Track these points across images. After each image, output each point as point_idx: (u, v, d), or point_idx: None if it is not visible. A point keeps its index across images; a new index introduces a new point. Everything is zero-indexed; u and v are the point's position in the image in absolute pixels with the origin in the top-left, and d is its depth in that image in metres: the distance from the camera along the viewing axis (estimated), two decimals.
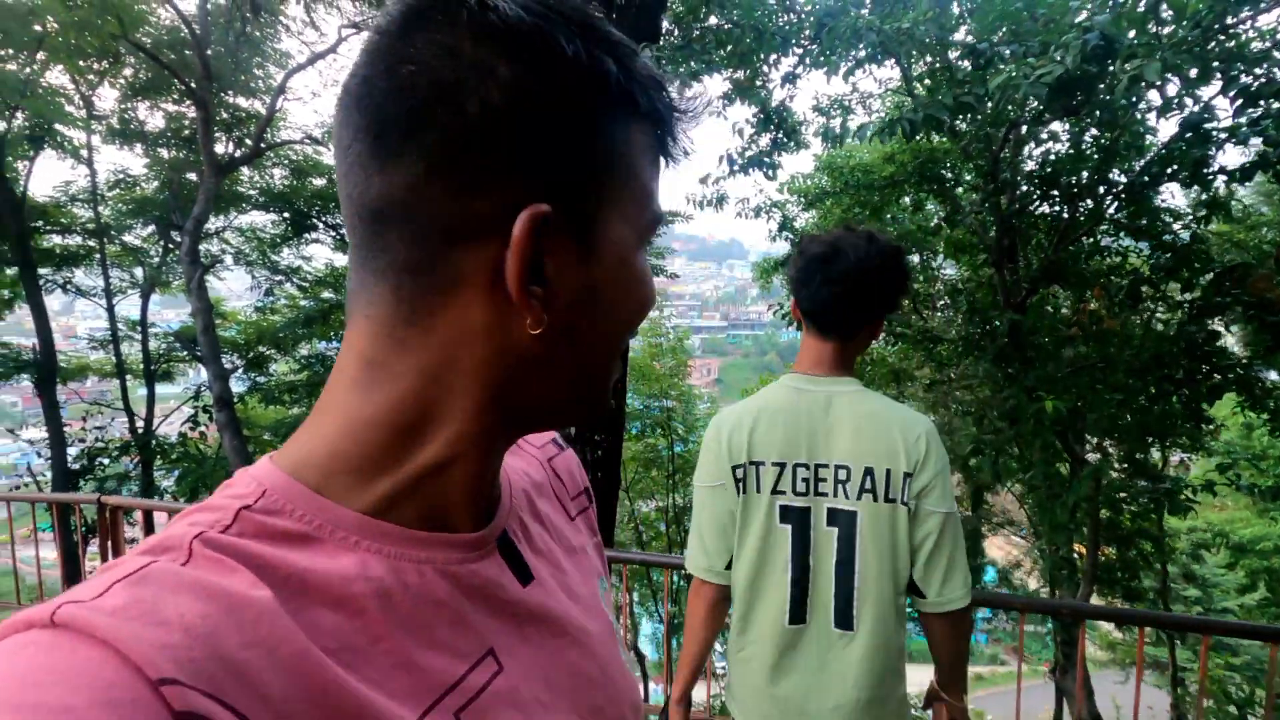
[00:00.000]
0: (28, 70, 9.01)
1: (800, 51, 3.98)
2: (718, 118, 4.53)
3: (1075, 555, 5.65)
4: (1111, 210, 4.62)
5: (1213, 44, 2.24)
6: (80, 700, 0.26)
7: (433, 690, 0.37)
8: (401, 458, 0.38)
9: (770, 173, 4.31)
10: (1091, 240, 5.00)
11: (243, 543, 0.34)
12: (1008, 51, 2.68)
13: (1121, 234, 4.88)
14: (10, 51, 8.80)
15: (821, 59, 3.40)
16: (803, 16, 3.78)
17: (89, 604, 0.29)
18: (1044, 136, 4.61)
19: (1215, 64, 2.20)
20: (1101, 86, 2.34)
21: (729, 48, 4.09)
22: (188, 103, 9.53)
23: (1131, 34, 2.33)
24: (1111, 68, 2.07)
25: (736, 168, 4.25)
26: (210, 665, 0.29)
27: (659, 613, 11.99)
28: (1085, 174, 4.38)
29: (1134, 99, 2.80)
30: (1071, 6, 2.43)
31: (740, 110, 4.34)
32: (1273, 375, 5.13)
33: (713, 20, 4.52)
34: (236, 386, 10.68)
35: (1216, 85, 2.48)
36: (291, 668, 0.31)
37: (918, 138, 5.46)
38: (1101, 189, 4.42)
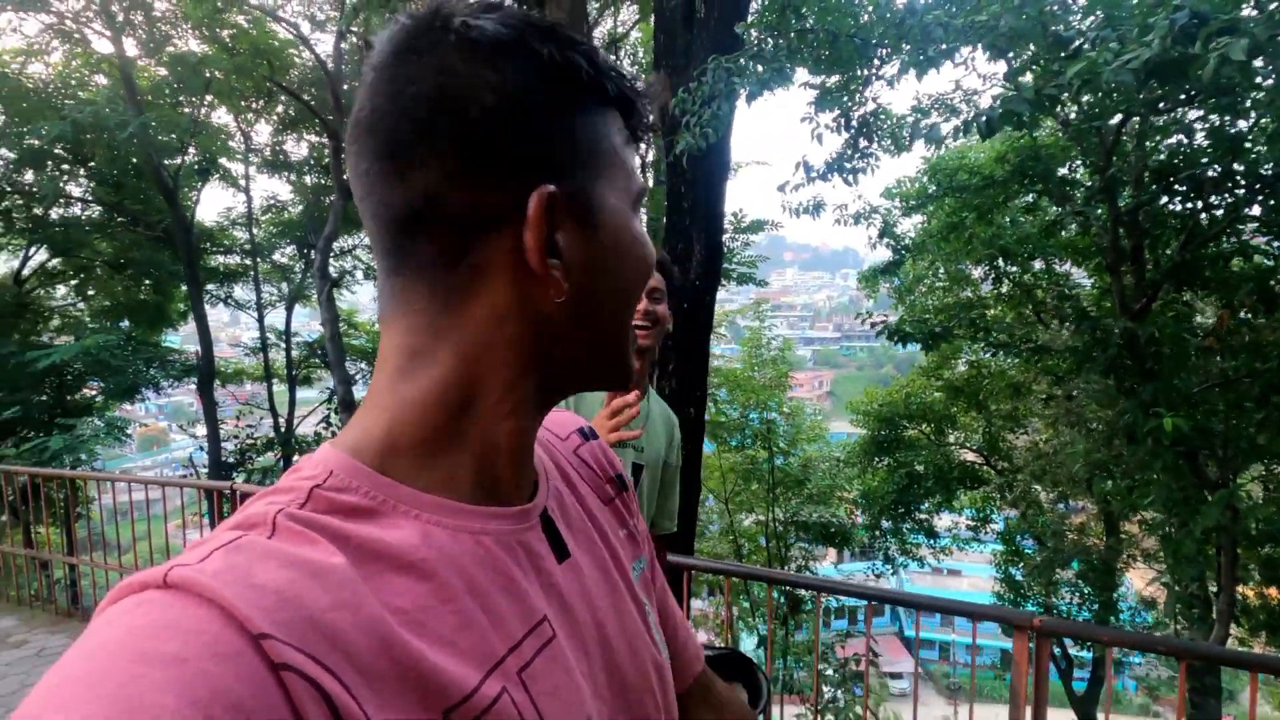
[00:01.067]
0: (198, 112, 10.37)
1: (885, 53, 3.86)
2: (806, 123, 4.46)
3: (1210, 592, 4.98)
4: (1256, 208, 4.10)
5: None
6: (192, 652, 0.29)
7: (494, 653, 0.39)
8: (451, 435, 0.42)
9: (852, 179, 4.19)
10: (1232, 240, 4.45)
11: (318, 517, 0.37)
12: (1096, 38, 2.48)
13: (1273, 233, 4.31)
14: (184, 97, 10.17)
15: (909, 60, 3.28)
16: (890, 17, 3.67)
17: (195, 567, 0.32)
18: (1164, 125, 4.17)
19: None
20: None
21: (823, 53, 4.04)
22: (326, 134, 10.59)
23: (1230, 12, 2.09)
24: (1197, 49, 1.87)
25: (814, 175, 4.18)
26: (300, 625, 0.32)
27: (759, 629, 11.72)
28: (1219, 167, 3.92)
29: (1232, 81, 2.49)
30: None
31: (823, 116, 4.25)
32: None
33: (807, 22, 4.47)
34: (363, 391, 11.65)
35: None
36: (370, 629, 0.34)
37: (1026, 133, 5.11)
38: (1239, 182, 3.94)
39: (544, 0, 4.74)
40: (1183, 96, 3.01)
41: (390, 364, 0.42)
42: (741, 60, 3.54)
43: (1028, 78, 3.92)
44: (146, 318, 11.52)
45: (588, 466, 0.59)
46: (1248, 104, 3.13)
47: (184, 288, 11.17)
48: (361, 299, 14.67)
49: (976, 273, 9.59)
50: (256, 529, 0.36)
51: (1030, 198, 6.04)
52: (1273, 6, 1.92)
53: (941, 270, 10.25)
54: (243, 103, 10.87)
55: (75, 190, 10.72)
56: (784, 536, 12.51)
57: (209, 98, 10.20)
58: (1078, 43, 2.59)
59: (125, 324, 11.43)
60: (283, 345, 12.54)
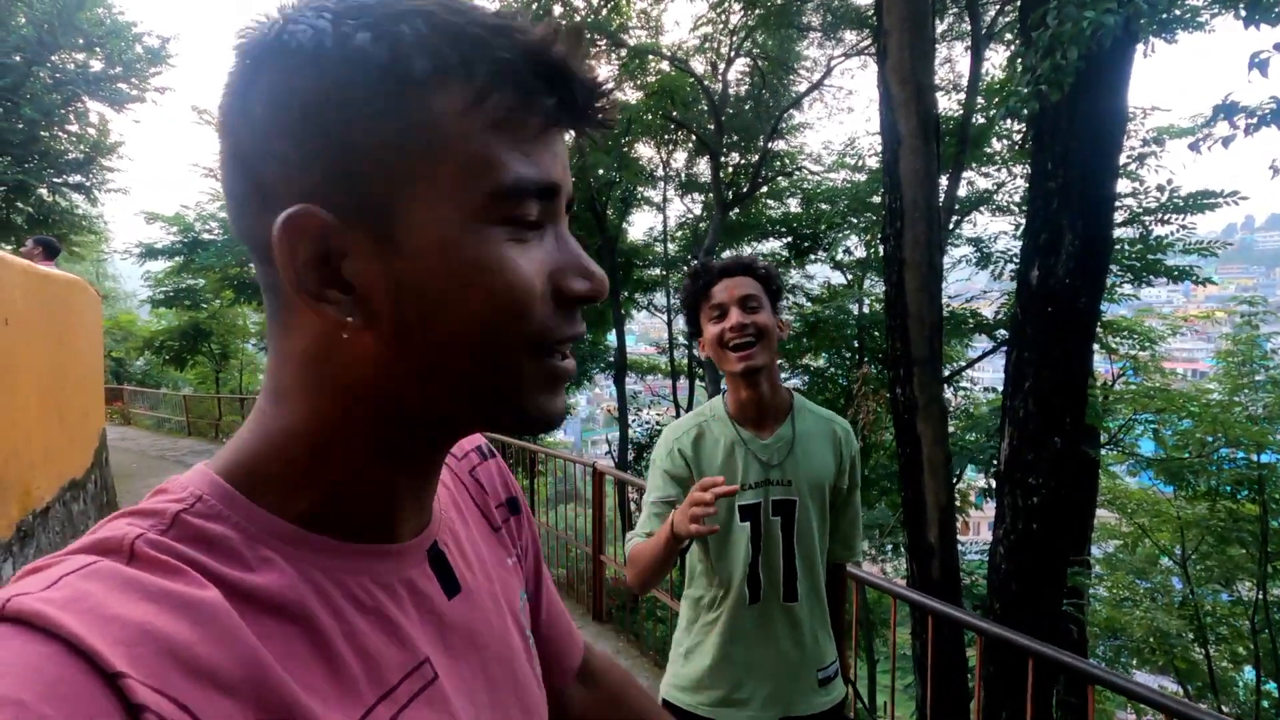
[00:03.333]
0: (626, 149, 12.51)
1: None
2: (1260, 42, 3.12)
3: None
4: None
5: None
6: (30, 694, 0.26)
7: (364, 701, 0.37)
8: (319, 470, 0.38)
9: None
10: None
11: (181, 547, 0.34)
12: None
13: None
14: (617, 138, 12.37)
15: None
16: None
17: (38, 595, 0.29)
18: None
19: None
20: None
21: None
22: (728, 155, 11.63)
23: None
24: None
25: (1250, 121, 2.88)
26: (162, 663, 0.29)
27: None
28: None
29: None
30: None
31: (1261, 37, 2.92)
32: None
33: None
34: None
35: None
36: (245, 667, 0.32)
37: None
38: None
39: None
40: None
41: (265, 387, 0.40)
42: None
43: None
44: (592, 321, 14.45)
45: (480, 488, 0.57)
46: None
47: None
48: None
49: None
50: (112, 555, 0.32)
51: None
52: None
53: None
54: (663, 136, 12.70)
55: None
56: None
57: (633, 136, 12.22)
58: None
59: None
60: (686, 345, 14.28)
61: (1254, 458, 9.24)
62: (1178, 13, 3.97)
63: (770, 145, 10.38)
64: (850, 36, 10.43)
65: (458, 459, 0.57)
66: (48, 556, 0.33)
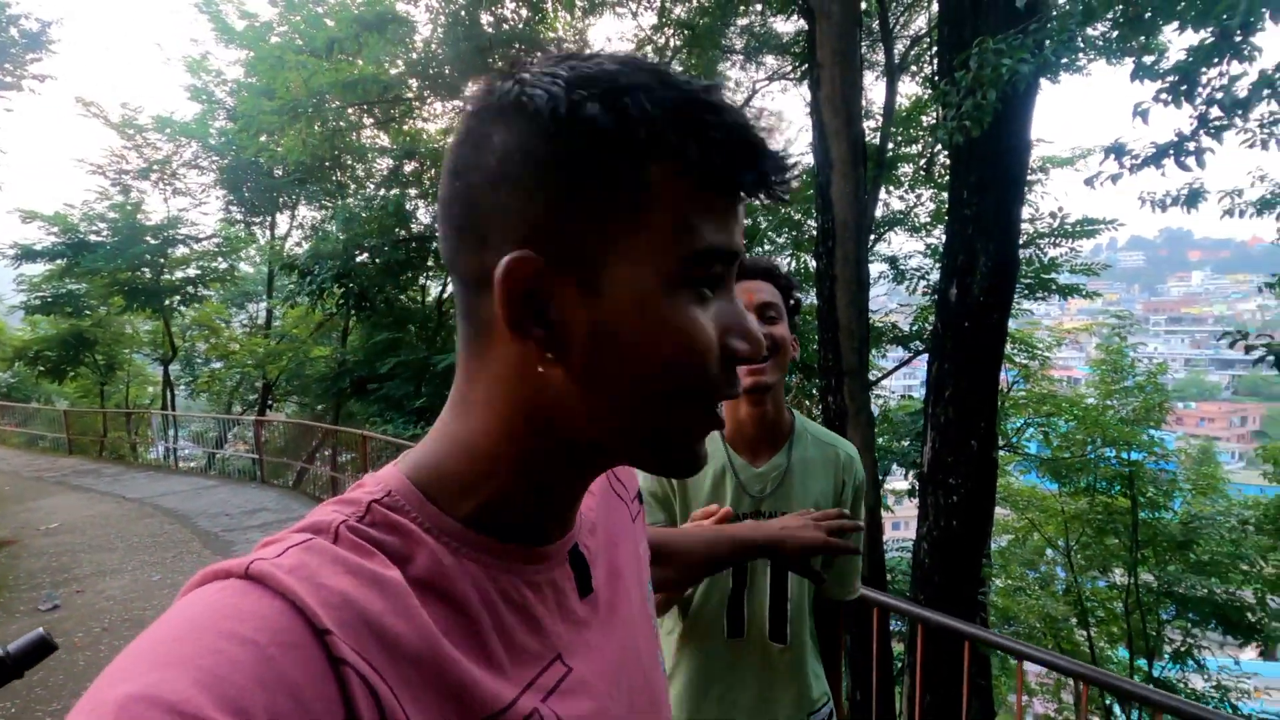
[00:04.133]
0: None
1: None
2: (1166, 101, 3.57)
3: None
4: None
5: None
6: (265, 638, 0.32)
7: (514, 685, 0.41)
8: (485, 477, 0.43)
9: (1196, 162, 3.23)
10: None
11: (373, 532, 0.40)
12: None
13: None
14: None
15: None
16: None
17: (273, 562, 0.35)
18: None
19: None
20: None
21: (1142, 11, 3.28)
22: None
23: None
24: None
25: (1133, 162, 3.32)
26: (358, 628, 0.35)
27: None
28: None
29: None
30: None
31: (1143, 89, 3.38)
32: None
33: None
34: None
35: None
36: (419, 638, 0.37)
37: None
38: None
39: (814, 17, 4.70)
40: None
41: (451, 401, 0.45)
42: (1018, 38, 3.04)
43: None
44: None
45: (620, 484, 0.61)
46: None
47: None
48: None
49: None
50: (323, 535, 0.39)
51: None
52: None
53: None
54: None
55: None
56: (1154, 609, 9.97)
57: None
58: None
59: None
60: None
61: (1125, 455, 10.34)
62: (1067, 59, 4.44)
63: None
64: (771, 61, 10.92)
65: None
66: (277, 534, 0.39)
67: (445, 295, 14.25)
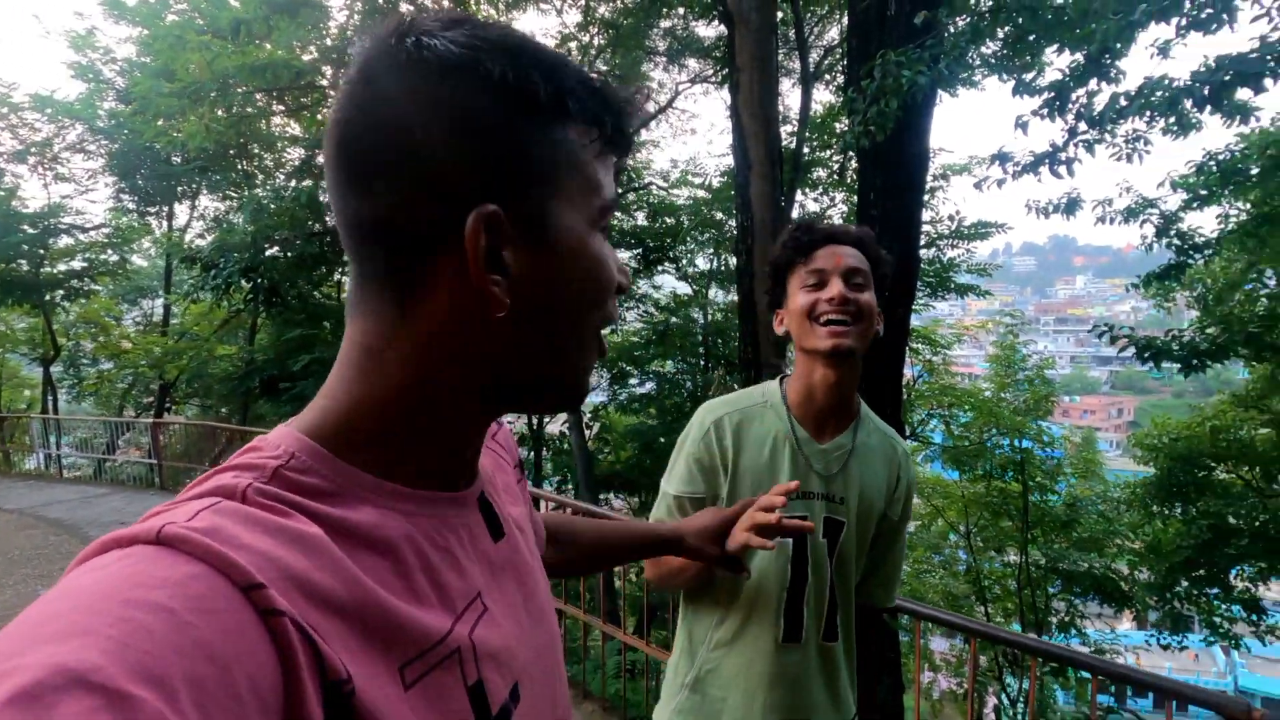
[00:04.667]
0: None
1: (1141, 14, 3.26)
2: (1040, 117, 3.92)
3: None
4: None
5: None
6: (180, 604, 0.30)
7: (442, 622, 0.43)
8: (400, 430, 0.44)
9: (1067, 171, 3.60)
10: None
11: (285, 493, 0.39)
12: None
13: None
14: None
15: (1113, 25, 2.75)
16: None
17: (185, 525, 0.34)
18: None
19: None
20: None
21: (1022, 32, 3.60)
22: None
23: None
24: None
25: (1015, 169, 3.67)
26: (283, 584, 0.34)
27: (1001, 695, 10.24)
28: None
29: None
30: None
31: (1026, 103, 3.73)
32: None
33: None
34: (600, 398, 12.75)
35: None
36: (349, 589, 0.37)
37: None
38: None
39: (733, 22, 4.88)
40: None
41: (350, 357, 0.45)
42: (916, 52, 3.29)
43: None
44: None
45: (504, 449, 0.65)
46: None
47: None
48: None
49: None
50: (230, 498, 0.37)
51: None
52: None
53: (1270, 274, 8.09)
54: None
55: None
56: (1042, 584, 10.81)
57: None
58: None
59: None
60: None
61: (1017, 444, 11.20)
62: (963, 75, 4.79)
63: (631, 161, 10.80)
64: (693, 64, 11.17)
65: None
66: (171, 501, 0.37)
67: None
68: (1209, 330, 5.21)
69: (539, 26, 11.40)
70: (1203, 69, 2.57)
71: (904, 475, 1.25)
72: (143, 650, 0.28)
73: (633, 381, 13.25)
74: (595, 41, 10.34)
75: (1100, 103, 3.23)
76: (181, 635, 0.29)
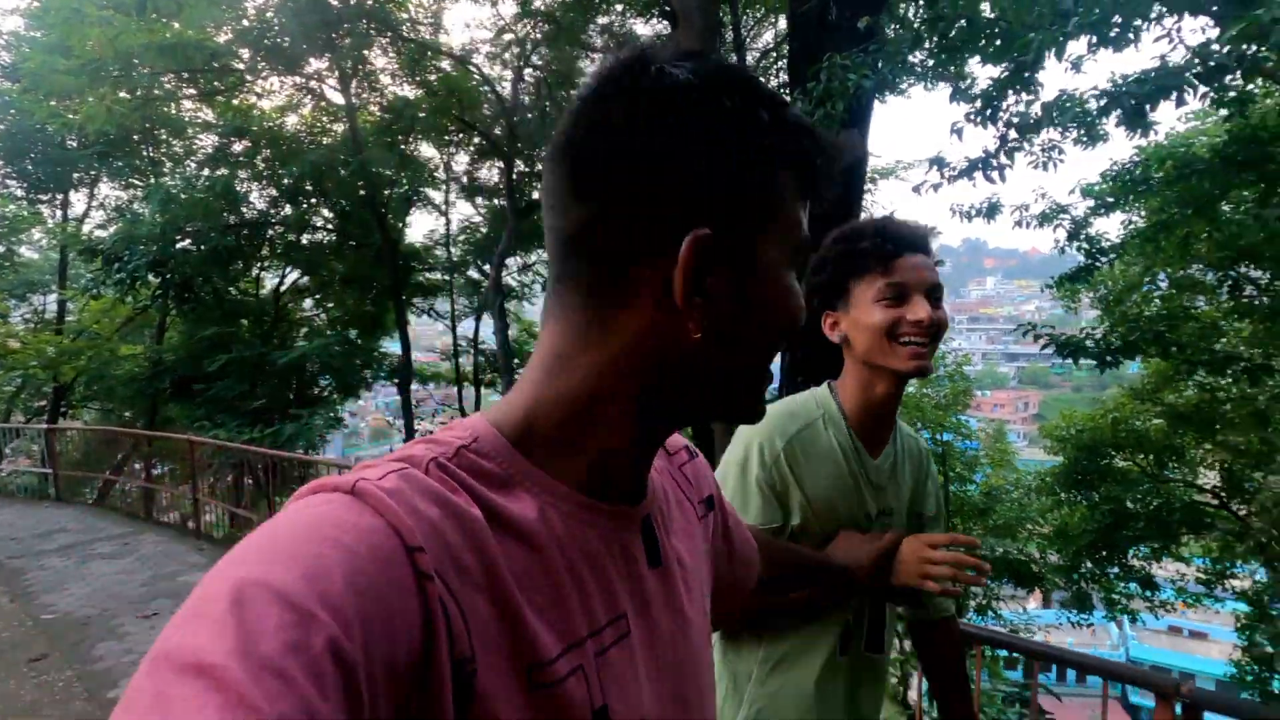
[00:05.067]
0: (407, 148, 11.95)
1: (1056, 33, 3.45)
2: (972, 123, 4.08)
3: None
4: None
5: None
6: (362, 547, 0.35)
7: (577, 633, 0.44)
8: (577, 433, 0.46)
9: (999, 175, 3.79)
10: None
11: (460, 473, 0.43)
12: None
13: None
14: (395, 135, 11.77)
15: (1040, 41, 2.91)
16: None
17: (375, 482, 0.39)
18: None
19: None
20: None
21: (958, 42, 3.74)
22: (504, 162, 11.69)
23: None
24: None
25: (951, 173, 3.83)
26: (439, 551, 0.38)
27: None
28: None
29: None
30: None
31: (958, 109, 3.90)
32: None
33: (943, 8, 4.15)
34: None
35: None
36: (490, 574, 0.40)
37: (1244, 108, 4.27)
38: None
39: (675, 20, 4.89)
40: None
41: (541, 359, 0.47)
42: (860, 56, 3.38)
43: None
44: (367, 326, 13.46)
45: (689, 483, 0.64)
46: None
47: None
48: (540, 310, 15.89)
49: (1210, 277, 8.09)
50: (415, 467, 0.42)
51: (1250, 187, 5.02)
52: None
53: (1164, 277, 8.78)
54: (445, 137, 12.34)
55: (317, 220, 12.84)
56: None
57: (414, 135, 11.71)
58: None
59: (353, 332, 13.46)
60: (472, 352, 13.97)
61: (939, 436, 11.77)
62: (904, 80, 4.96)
63: None
64: None
65: (670, 454, 0.64)
66: (373, 459, 0.43)
67: (284, 288, 13.13)
68: (1120, 329, 5.62)
69: (472, 16, 11.09)
70: (1131, 82, 2.75)
71: (929, 471, 1.24)
72: (331, 580, 0.33)
73: None
74: (532, 35, 10.19)
75: (1036, 111, 3.40)
76: (361, 576, 0.34)
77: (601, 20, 10.01)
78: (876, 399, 1.12)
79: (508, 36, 10.72)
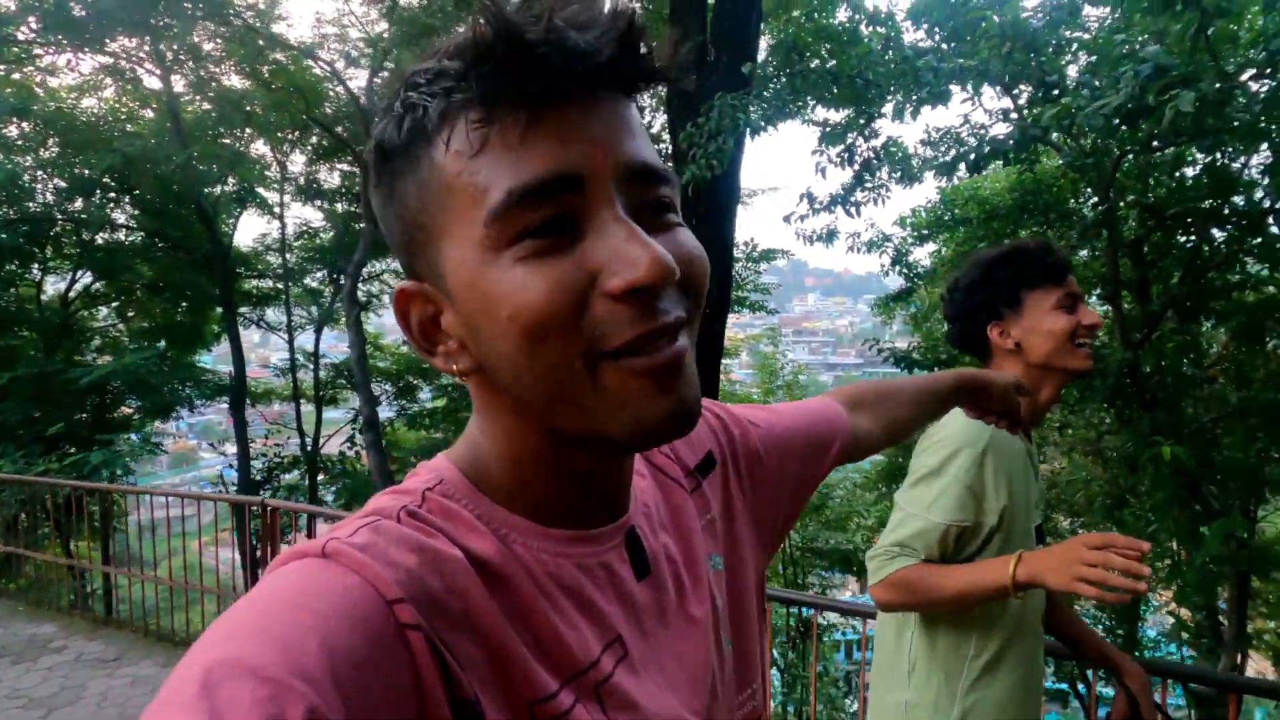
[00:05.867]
0: (238, 144, 10.88)
1: (890, 90, 4.04)
2: (816, 156, 4.62)
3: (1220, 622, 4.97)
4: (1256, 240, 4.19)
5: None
6: (335, 611, 0.34)
7: (573, 665, 0.41)
8: (511, 474, 0.44)
9: (855, 211, 4.36)
10: (1238, 273, 4.53)
11: (431, 517, 0.41)
12: (1076, 84, 2.63)
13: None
14: (225, 130, 10.70)
15: (903, 99, 3.46)
16: (887, 60, 3.85)
17: (345, 540, 0.37)
18: (1160, 161, 4.28)
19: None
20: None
21: (826, 93, 4.24)
22: (358, 165, 11.03)
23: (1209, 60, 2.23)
24: (1163, 99, 2.02)
25: (819, 207, 4.35)
26: (422, 599, 0.36)
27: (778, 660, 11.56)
28: (1215, 200, 4.03)
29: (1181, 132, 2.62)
30: (1116, 40, 2.36)
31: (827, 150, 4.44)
32: None
33: (811, 63, 4.69)
34: (387, 412, 11.94)
35: None
36: (479, 614, 0.38)
37: (1026, 168, 5.25)
38: (1239, 216, 4.04)
39: None
40: (1172, 136, 3.14)
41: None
42: (747, 98, 3.75)
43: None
44: (183, 338, 11.96)
45: (670, 460, 0.57)
46: (1240, 145, 3.25)
47: (219, 310, 11.64)
48: (388, 322, 15.06)
49: None
50: (386, 518, 0.40)
51: (1036, 229, 6.16)
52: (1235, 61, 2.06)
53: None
54: (279, 134, 11.38)
55: (120, 217, 11.26)
56: (801, 563, 12.42)
57: (248, 130, 10.71)
58: (1060, 87, 2.74)
59: (162, 344, 11.90)
60: (311, 367, 12.92)
61: None
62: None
63: None
64: None
65: None
66: (344, 519, 0.41)
67: (72, 293, 11.33)
68: (925, 343, 6.60)
69: (312, 4, 10.42)
70: (969, 147, 3.35)
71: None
72: (301, 648, 0.31)
73: (423, 395, 12.64)
74: (386, 35, 9.76)
75: (870, 153, 3.95)
76: (336, 639, 0.33)
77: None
78: (1045, 401, 1.23)
79: (355, 34, 10.18)
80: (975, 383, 0.89)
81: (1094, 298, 7.21)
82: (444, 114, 0.37)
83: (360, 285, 10.50)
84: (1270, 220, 3.61)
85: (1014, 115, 4.57)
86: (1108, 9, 3.77)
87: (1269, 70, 2.16)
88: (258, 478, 11.31)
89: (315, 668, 0.31)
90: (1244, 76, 2.18)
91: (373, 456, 7.86)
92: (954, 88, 3.21)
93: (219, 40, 9.79)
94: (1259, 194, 3.86)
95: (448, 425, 11.54)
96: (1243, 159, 3.96)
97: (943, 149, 5.47)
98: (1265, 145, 3.39)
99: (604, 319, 0.37)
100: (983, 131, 5.85)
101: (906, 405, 0.82)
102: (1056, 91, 2.90)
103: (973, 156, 2.84)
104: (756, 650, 0.57)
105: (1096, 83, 2.45)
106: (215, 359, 15.81)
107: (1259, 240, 3.95)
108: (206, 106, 10.62)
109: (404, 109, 0.38)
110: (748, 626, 0.57)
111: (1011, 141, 2.75)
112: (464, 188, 0.37)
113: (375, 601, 0.35)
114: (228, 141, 10.96)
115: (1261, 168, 3.93)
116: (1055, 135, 3.00)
